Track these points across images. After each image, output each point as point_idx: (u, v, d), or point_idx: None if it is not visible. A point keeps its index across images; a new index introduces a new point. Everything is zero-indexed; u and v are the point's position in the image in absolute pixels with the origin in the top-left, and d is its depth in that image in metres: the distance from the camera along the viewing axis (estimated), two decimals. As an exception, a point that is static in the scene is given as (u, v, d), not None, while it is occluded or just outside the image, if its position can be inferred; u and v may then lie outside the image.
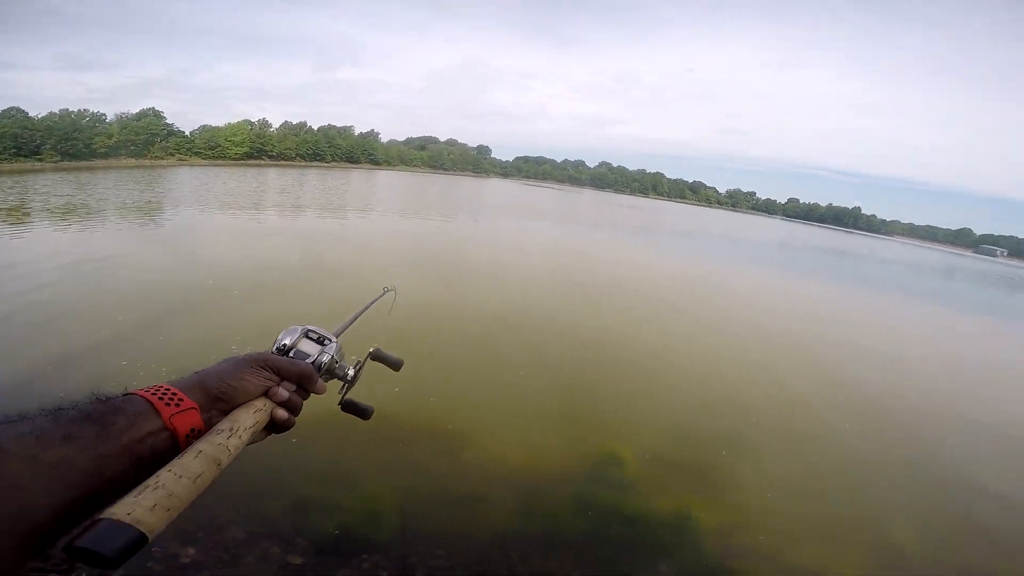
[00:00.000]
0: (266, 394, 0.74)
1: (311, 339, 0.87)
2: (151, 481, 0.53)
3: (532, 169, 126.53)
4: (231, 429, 0.65)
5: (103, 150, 42.56)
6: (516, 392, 6.27)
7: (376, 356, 1.08)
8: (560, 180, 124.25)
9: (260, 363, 0.75)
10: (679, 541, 3.96)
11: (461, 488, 4.26)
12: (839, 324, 14.01)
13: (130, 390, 0.63)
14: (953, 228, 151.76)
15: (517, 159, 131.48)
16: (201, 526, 3.36)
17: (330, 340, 0.88)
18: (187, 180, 31.13)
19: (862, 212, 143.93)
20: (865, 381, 8.74)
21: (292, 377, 0.78)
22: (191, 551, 3.17)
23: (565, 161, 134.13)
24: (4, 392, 4.80)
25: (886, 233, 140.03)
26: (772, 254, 34.82)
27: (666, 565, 3.65)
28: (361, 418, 0.99)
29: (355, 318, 1.18)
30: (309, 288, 9.69)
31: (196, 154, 51.82)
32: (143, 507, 0.49)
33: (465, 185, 67.59)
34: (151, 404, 0.61)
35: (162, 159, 47.29)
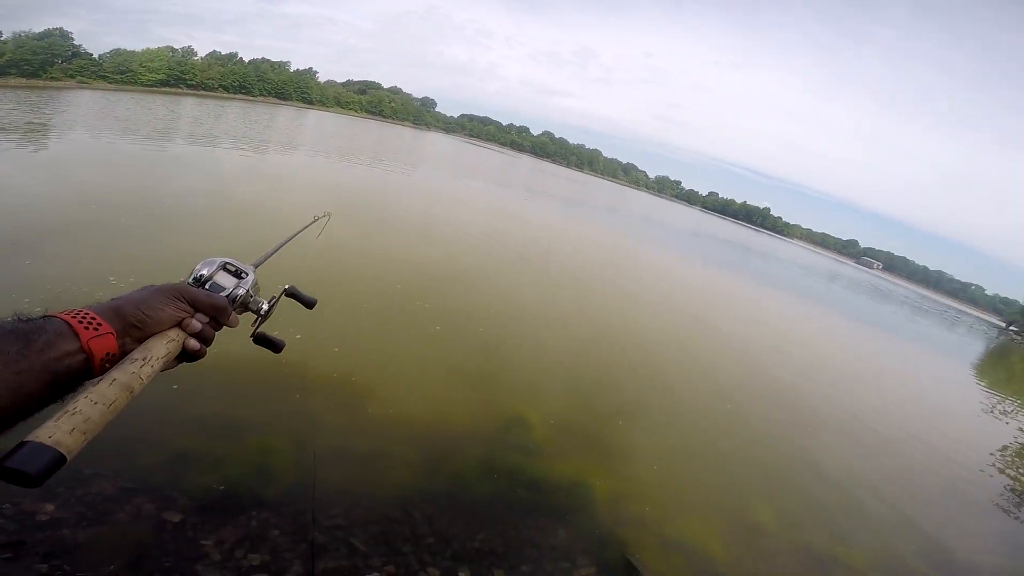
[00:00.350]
0: (180, 324, 0.75)
1: (228, 271, 0.88)
2: (69, 407, 0.56)
3: (476, 128, 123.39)
4: (144, 358, 0.67)
5: None
6: (428, 349, 6.18)
7: (291, 293, 1.08)
8: (502, 143, 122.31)
9: (176, 294, 0.76)
10: (576, 507, 4.14)
11: (363, 444, 4.13)
12: (735, 312, 15.29)
13: (50, 312, 0.64)
14: (844, 238, 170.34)
15: (462, 116, 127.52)
16: (61, 479, 2.96)
17: (246, 273, 0.89)
18: (84, 104, 26.70)
19: (770, 213, 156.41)
20: (754, 368, 9.64)
21: (206, 309, 0.79)
22: (49, 507, 2.80)
23: (510, 125, 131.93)
24: None
25: (788, 235, 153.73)
26: (687, 241, 37.01)
27: (564, 531, 3.80)
28: (272, 351, 0.99)
29: (279, 247, 1.19)
30: (213, 223, 8.80)
31: (102, 78, 44.92)
32: (63, 431, 0.53)
33: (403, 136, 64.42)
34: (70, 326, 0.62)
35: (59, 81, 40.57)
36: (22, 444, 0.51)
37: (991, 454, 9.09)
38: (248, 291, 0.88)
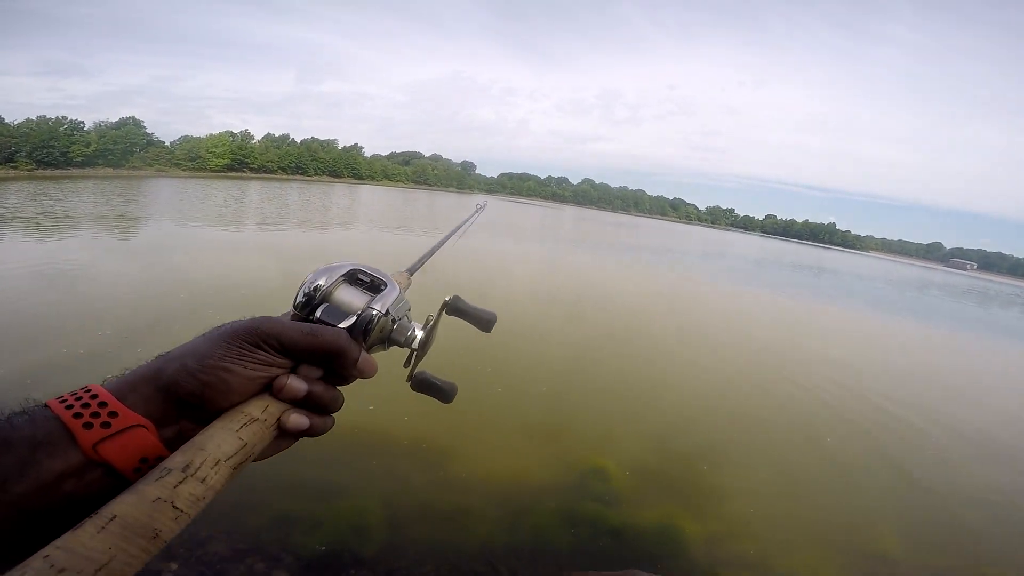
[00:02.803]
0: (270, 390, 0.48)
1: (357, 284, 0.59)
2: (82, 548, 0.33)
3: (516, 185, 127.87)
4: (187, 466, 0.40)
5: (80, 159, 41.94)
6: (497, 406, 6.29)
7: (455, 309, 0.76)
8: (544, 197, 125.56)
9: (253, 337, 0.47)
10: (664, 552, 3.99)
11: (446, 501, 4.24)
12: (817, 337, 14.34)
13: (32, 401, 0.41)
14: (924, 242, 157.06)
15: (501, 175, 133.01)
16: (182, 541, 3.29)
17: (386, 283, 0.60)
18: (166, 192, 30.66)
19: (837, 228, 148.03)
20: (857, 396, 8.94)
21: (315, 356, 0.50)
22: (174, 567, 3.10)
23: (548, 178, 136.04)
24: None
25: (861, 248, 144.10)
26: (749, 269, 35.55)
27: None
28: (441, 400, 0.71)
29: (441, 244, 0.91)
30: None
31: (176, 165, 51.10)
32: None
33: (449, 201, 67.80)
34: (63, 425, 0.39)
35: (141, 169, 46.50)
36: None
37: None
38: (388, 311, 0.58)
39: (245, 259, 13.92)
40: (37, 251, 11.80)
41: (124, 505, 0.36)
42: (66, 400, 0.41)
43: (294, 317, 0.56)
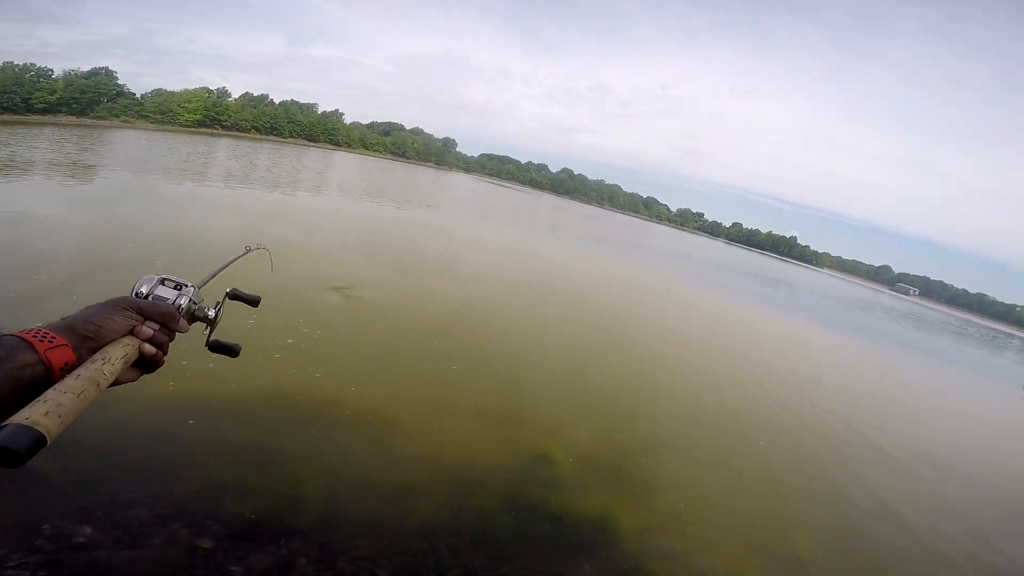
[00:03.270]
0: (132, 332, 0.78)
1: (167, 286, 0.91)
2: (40, 398, 0.59)
3: (496, 167, 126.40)
4: (104, 359, 0.70)
5: (42, 106, 39.07)
6: (451, 386, 6.25)
7: (234, 296, 1.11)
8: (521, 181, 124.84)
9: (122, 305, 0.80)
10: (601, 541, 4.06)
11: (390, 478, 4.17)
12: (766, 345, 14.90)
13: (3, 330, 0.67)
14: (876, 264, 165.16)
15: (482, 155, 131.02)
16: (101, 503, 3.10)
17: (186, 286, 0.93)
18: (128, 143, 28.80)
19: (797, 242, 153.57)
20: (792, 399, 9.33)
21: (155, 316, 0.82)
22: (88, 530, 2.92)
23: (529, 163, 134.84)
24: None
25: (817, 264, 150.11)
26: (711, 274, 36.54)
27: (590, 565, 3.73)
28: (230, 356, 1.03)
29: (219, 271, 1.23)
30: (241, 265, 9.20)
31: (144, 117, 48.07)
32: (38, 413, 0.56)
33: (427, 176, 66.53)
34: (25, 341, 0.65)
35: (105, 120, 43.58)
36: (3, 425, 0.53)
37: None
38: (191, 300, 0.91)
39: (199, 214, 13.26)
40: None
41: (82, 370, 0.67)
42: (31, 331, 0.67)
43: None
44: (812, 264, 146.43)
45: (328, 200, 22.38)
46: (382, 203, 25.30)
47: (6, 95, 36.82)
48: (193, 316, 0.93)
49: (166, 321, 0.83)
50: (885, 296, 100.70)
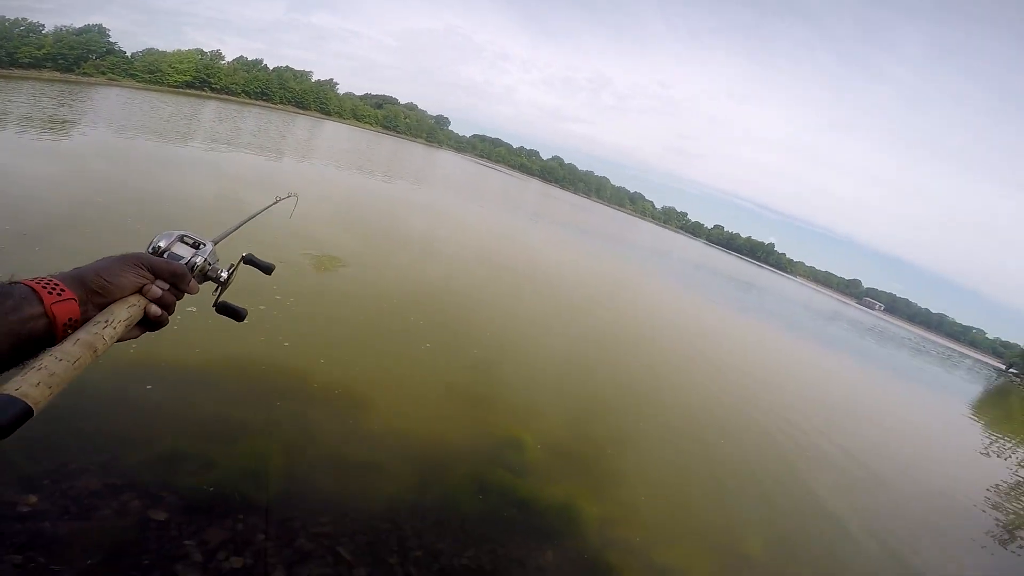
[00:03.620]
0: (140, 291, 0.77)
1: (186, 243, 0.90)
2: (34, 363, 0.58)
3: (487, 149, 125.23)
4: (107, 321, 0.68)
5: (28, 60, 37.22)
6: (423, 364, 6.18)
7: (249, 260, 1.11)
8: (511, 165, 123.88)
9: (135, 261, 0.78)
10: (564, 530, 4.08)
11: (356, 455, 4.10)
12: (735, 347, 15.23)
13: (16, 278, 0.65)
14: (847, 277, 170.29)
15: (474, 136, 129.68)
16: (48, 472, 2.95)
17: (204, 244, 0.91)
18: (110, 100, 27.41)
19: (775, 249, 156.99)
20: (754, 402, 9.55)
21: (166, 275, 0.81)
22: (33, 499, 2.77)
23: (520, 148, 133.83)
24: None
25: (791, 272, 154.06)
26: (689, 274, 37.10)
27: (552, 552, 3.74)
28: (235, 319, 1.03)
29: (240, 225, 1.22)
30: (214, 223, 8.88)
31: (131, 76, 46.02)
32: (29, 383, 0.55)
33: (416, 152, 65.36)
34: (34, 291, 0.64)
35: (91, 77, 41.60)
36: None
37: (986, 490, 9.11)
38: (206, 260, 0.90)
39: (174, 176, 12.75)
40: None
41: (81, 334, 0.64)
42: (41, 280, 0.66)
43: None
44: (787, 272, 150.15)
45: (311, 168, 21.77)
46: (367, 176, 24.76)
47: None
48: (205, 276, 0.93)
49: (177, 281, 0.82)
50: (851, 309, 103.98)
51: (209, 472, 3.33)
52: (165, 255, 0.85)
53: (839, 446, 8.76)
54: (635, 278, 22.64)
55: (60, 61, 40.06)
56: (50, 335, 0.64)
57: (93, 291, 0.70)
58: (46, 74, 37.80)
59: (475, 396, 5.80)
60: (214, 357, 4.66)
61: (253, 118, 41.01)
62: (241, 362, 4.79)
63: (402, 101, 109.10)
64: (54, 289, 0.65)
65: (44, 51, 39.15)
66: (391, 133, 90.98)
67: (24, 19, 39.66)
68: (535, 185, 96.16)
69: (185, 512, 2.97)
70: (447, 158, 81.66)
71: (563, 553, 3.80)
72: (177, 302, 0.84)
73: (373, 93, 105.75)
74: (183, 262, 0.86)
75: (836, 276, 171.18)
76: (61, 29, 42.30)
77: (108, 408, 3.63)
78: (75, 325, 0.66)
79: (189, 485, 3.18)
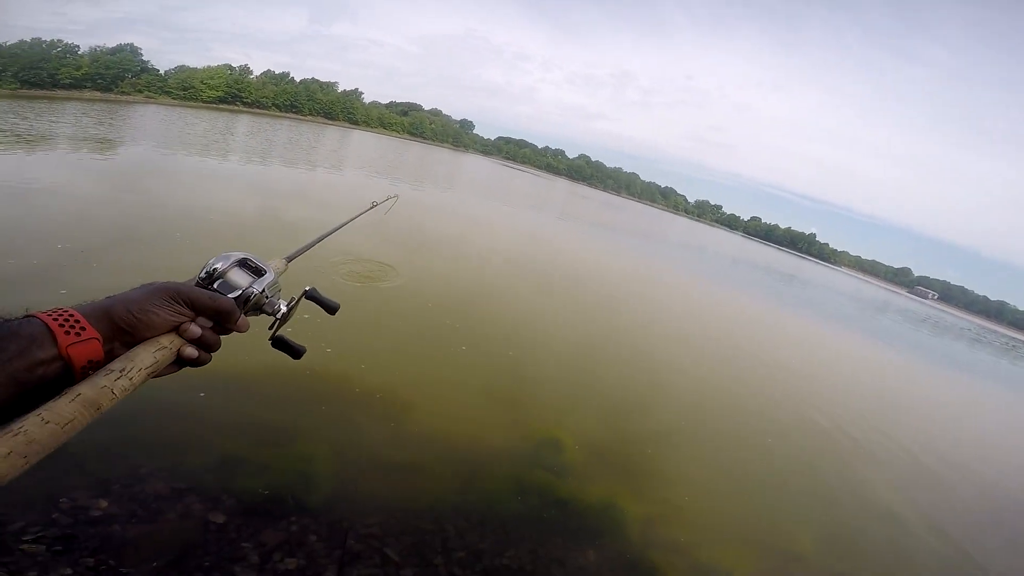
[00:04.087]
0: (176, 330, 0.70)
1: (246, 268, 0.82)
2: (14, 425, 0.51)
3: (512, 151, 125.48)
4: (122, 369, 0.61)
5: (68, 81, 39.93)
6: (460, 367, 6.27)
7: (311, 296, 1.00)
8: (538, 166, 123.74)
9: (173, 295, 0.70)
10: (606, 529, 4.08)
11: (399, 457, 4.21)
12: (779, 343, 14.73)
13: (31, 311, 0.60)
14: (895, 266, 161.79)
15: (499, 138, 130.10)
16: (118, 477, 3.16)
17: (266, 271, 0.84)
18: (149, 118, 29.04)
19: (816, 239, 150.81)
20: (800, 398, 9.24)
21: (208, 312, 0.73)
22: (104, 503, 2.98)
23: (546, 148, 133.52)
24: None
25: (835, 263, 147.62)
26: (726, 268, 36.12)
27: (594, 552, 3.75)
28: (292, 357, 0.95)
29: (327, 235, 1.13)
30: (261, 241, 9.25)
31: (166, 93, 48.66)
32: (1, 453, 0.48)
33: (443, 157, 66.17)
34: (49, 329, 0.58)
35: (129, 95, 44.23)
36: None
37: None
38: (264, 291, 0.82)
39: (220, 189, 13.34)
40: (5, 165, 11.06)
41: (85, 387, 0.57)
42: (52, 314, 0.59)
43: (198, 284, 0.78)
44: (830, 262, 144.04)
45: (343, 178, 22.38)
46: (397, 182, 25.27)
47: (33, 70, 37.84)
48: (259, 308, 0.84)
49: (222, 319, 0.74)
50: (901, 298, 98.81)
51: (263, 475, 3.50)
52: (217, 283, 0.78)
53: (895, 441, 8.38)
54: (669, 274, 22.23)
55: (99, 81, 42.52)
56: (67, 377, 0.58)
57: (120, 329, 0.64)
58: (87, 94, 40.23)
59: (512, 397, 5.85)
60: (260, 363, 4.86)
61: (285, 130, 42.47)
62: (286, 368, 4.99)
63: (426, 107, 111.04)
64: (73, 327, 0.59)
65: (83, 71, 41.54)
66: (418, 139, 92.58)
67: (60, 40, 42.12)
68: (563, 184, 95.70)
69: (242, 514, 3.13)
70: (473, 162, 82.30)
71: (605, 553, 3.79)
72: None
73: (398, 101, 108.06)
74: (235, 294, 0.78)
75: (884, 265, 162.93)
76: (96, 49, 44.89)
77: (167, 416, 3.86)
78: (97, 367, 0.61)
79: (245, 488, 3.35)
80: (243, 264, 0.81)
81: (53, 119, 21.29)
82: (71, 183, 10.23)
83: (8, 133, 15.12)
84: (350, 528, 3.28)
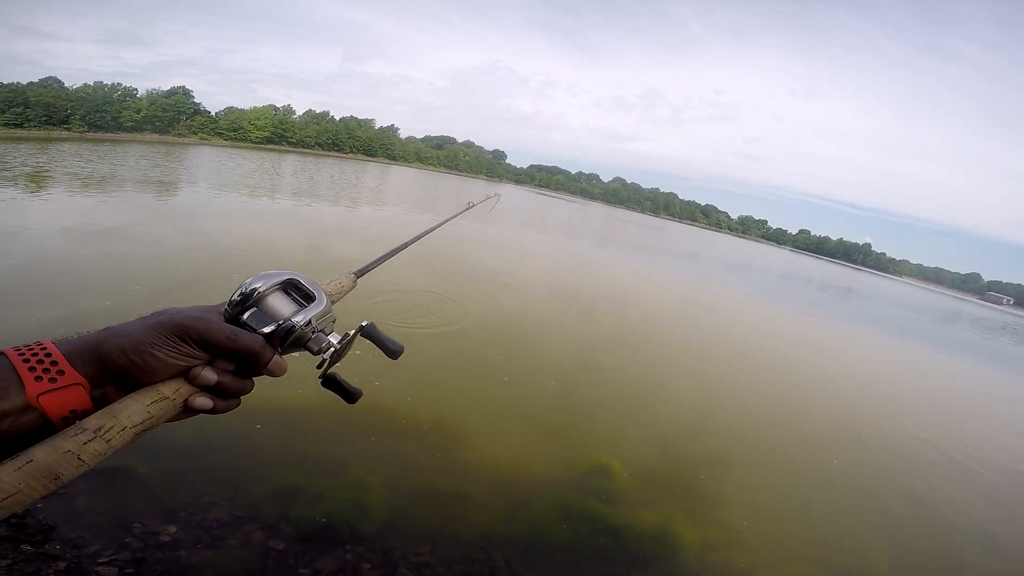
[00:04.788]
0: (186, 375, 0.56)
1: (291, 292, 0.66)
2: None
3: (545, 178, 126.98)
4: (99, 429, 0.48)
5: (130, 124, 43.65)
6: (503, 395, 6.29)
7: (369, 334, 0.81)
8: (572, 192, 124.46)
9: (180, 332, 0.54)
10: (660, 555, 3.95)
11: (447, 486, 4.25)
12: (837, 359, 13.93)
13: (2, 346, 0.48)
14: (962, 272, 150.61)
15: (531, 167, 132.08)
16: (184, 504, 3.36)
17: (316, 296, 0.66)
18: (207, 159, 31.46)
19: (872, 249, 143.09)
20: (867, 418, 8.66)
21: (230, 355, 0.57)
22: (172, 529, 3.16)
23: (579, 173, 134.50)
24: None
25: (895, 272, 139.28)
26: (777, 284, 34.73)
27: (647, 580, 3.62)
28: (345, 400, 0.79)
29: (404, 246, 0.97)
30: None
31: (218, 134, 52.68)
32: None
33: (479, 189, 67.75)
34: (15, 374, 0.47)
35: (185, 137, 48.12)
36: None
37: None
38: (310, 323, 0.64)
39: (274, 228, 14.15)
40: (79, 207, 12.22)
41: (41, 452, 0.45)
42: (23, 353, 0.48)
43: (225, 314, 0.62)
44: (889, 272, 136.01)
45: (384, 213, 23.29)
46: (436, 214, 26.02)
47: (98, 113, 40.99)
48: (302, 345, 0.67)
49: (247, 363, 0.59)
50: (973, 306, 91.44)
51: (319, 504, 3.63)
52: (250, 312, 0.61)
53: (977, 460, 7.69)
54: (717, 295, 21.60)
55: (157, 123, 46.30)
56: (43, 428, 0.47)
57: (112, 371, 0.52)
58: (147, 136, 43.87)
59: (557, 425, 5.80)
60: (311, 396, 5.07)
61: (329, 168, 44.84)
62: (337, 401, 5.16)
63: (459, 139, 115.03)
64: (48, 370, 0.48)
65: (142, 114, 45.38)
66: (454, 172, 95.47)
67: (120, 84, 46.55)
68: (599, 209, 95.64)
69: (300, 542, 3.25)
70: (508, 191, 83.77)
71: (659, 580, 3.66)
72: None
73: (432, 135, 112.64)
74: (270, 328, 0.61)
75: (949, 271, 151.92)
76: (152, 92, 49.12)
77: (226, 445, 4.09)
78: (82, 415, 0.49)
79: (302, 516, 3.48)
80: (289, 286, 0.65)
81: (118, 162, 23.36)
82: (137, 224, 11.12)
83: (74, 176, 16.66)
84: (402, 557, 3.33)
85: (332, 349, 0.70)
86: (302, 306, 0.65)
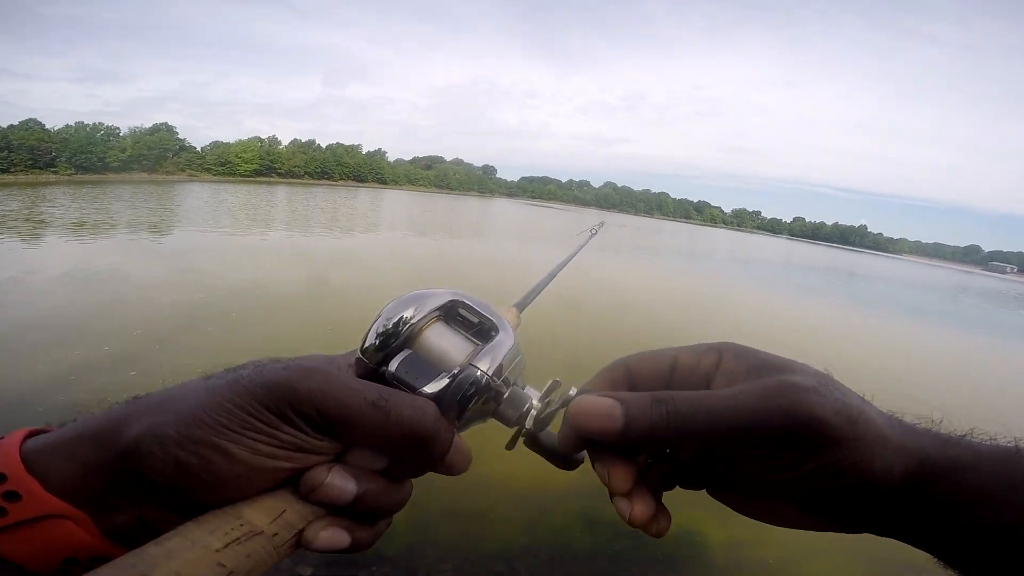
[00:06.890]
0: (293, 483, 0.32)
1: (457, 321, 0.42)
2: None
3: (537, 189, 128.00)
4: None
5: (116, 164, 44.01)
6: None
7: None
8: (565, 200, 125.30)
9: (280, 402, 0.30)
10: (687, 555, 3.96)
11: (467, 503, 4.28)
12: (854, 342, 13.94)
13: None
14: (961, 245, 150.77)
15: (522, 179, 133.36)
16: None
17: (497, 327, 0.42)
18: (198, 196, 31.78)
19: (868, 230, 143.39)
20: (891, 401, 8.65)
21: (375, 439, 0.34)
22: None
23: (570, 181, 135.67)
24: (4, 406, 4.68)
25: (894, 251, 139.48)
26: (776, 273, 34.79)
27: (675, 579, 3.65)
28: (564, 468, 0.50)
29: (561, 267, 0.70)
30: (324, 312, 9.80)
31: (206, 170, 53.08)
32: None
33: (471, 205, 68.25)
34: None
35: (173, 174, 48.46)
36: None
37: None
38: (503, 371, 0.41)
39: (267, 262, 14.29)
40: (73, 254, 12.37)
41: None
42: (13, 451, 0.27)
43: (358, 364, 0.37)
44: (888, 252, 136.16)
45: (379, 239, 23.50)
46: (435, 238, 26.25)
47: (83, 155, 41.24)
48: (493, 412, 0.45)
49: (410, 453, 0.36)
50: (978, 278, 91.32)
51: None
52: (399, 360, 0.37)
53: (1010, 434, 7.67)
54: (717, 289, 21.66)
55: (143, 162, 46.64)
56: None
57: (148, 481, 0.28)
58: (135, 176, 44.10)
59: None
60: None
61: (320, 198, 44.98)
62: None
63: (448, 158, 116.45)
64: (15, 491, 0.26)
65: (128, 153, 45.75)
66: (445, 191, 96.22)
67: (101, 123, 46.93)
68: (592, 215, 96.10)
69: (327, 567, 3.30)
70: (500, 206, 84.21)
71: (687, 578, 3.68)
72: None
73: (420, 155, 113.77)
74: (440, 384, 0.37)
75: (948, 245, 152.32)
76: (136, 130, 49.49)
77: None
78: (89, 565, 0.27)
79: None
80: (452, 314, 0.42)
81: (104, 205, 23.55)
82: (130, 266, 11.24)
83: (65, 221, 16.76)
84: (426, 575, 3.37)
85: (533, 415, 0.45)
86: (480, 344, 0.40)
